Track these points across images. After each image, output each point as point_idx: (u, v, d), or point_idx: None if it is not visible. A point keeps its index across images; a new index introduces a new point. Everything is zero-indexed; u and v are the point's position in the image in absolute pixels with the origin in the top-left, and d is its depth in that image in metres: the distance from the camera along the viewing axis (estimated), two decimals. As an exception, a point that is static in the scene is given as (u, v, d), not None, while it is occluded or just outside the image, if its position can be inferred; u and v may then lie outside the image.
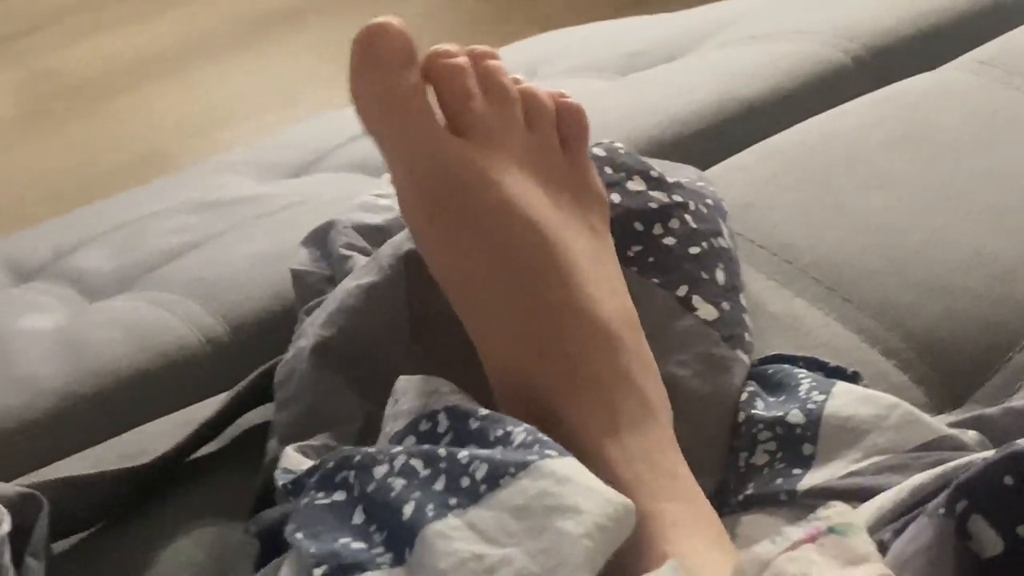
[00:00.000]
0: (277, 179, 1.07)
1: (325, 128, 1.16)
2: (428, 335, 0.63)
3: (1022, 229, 0.72)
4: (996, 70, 0.86)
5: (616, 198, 0.66)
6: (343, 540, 0.50)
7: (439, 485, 0.50)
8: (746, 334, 0.64)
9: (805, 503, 0.55)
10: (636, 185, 0.67)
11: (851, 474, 0.56)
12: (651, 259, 0.65)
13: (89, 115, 2.30)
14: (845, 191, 0.75)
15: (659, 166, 0.69)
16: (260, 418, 0.68)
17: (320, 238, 0.73)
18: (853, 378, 0.62)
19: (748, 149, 0.82)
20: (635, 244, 0.65)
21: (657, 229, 0.66)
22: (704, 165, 0.78)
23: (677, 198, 0.67)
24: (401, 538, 0.49)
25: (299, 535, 0.50)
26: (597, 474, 0.49)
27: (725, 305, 0.64)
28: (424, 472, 0.50)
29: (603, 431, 0.54)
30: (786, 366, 0.63)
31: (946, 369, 0.66)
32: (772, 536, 0.49)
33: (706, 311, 0.64)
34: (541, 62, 1.18)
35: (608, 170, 0.67)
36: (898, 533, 0.48)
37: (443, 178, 0.58)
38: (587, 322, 0.57)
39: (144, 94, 2.34)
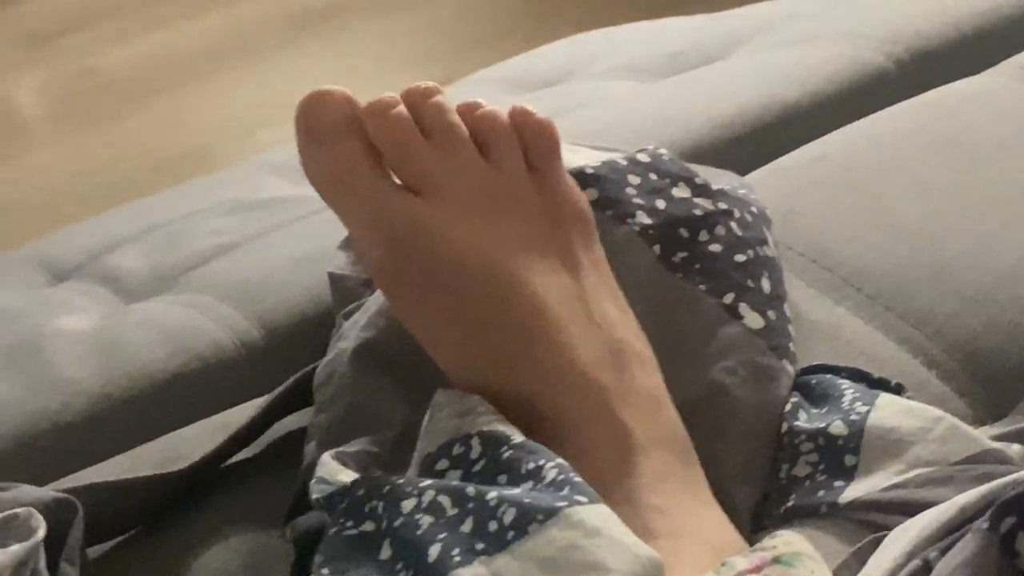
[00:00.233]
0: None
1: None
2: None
3: (1067, 238, 0.71)
4: (1040, 75, 0.85)
5: (661, 204, 0.65)
6: None
7: (466, 527, 0.49)
8: (791, 344, 0.63)
9: (847, 515, 0.55)
10: (681, 192, 0.66)
11: (894, 486, 0.55)
12: (697, 265, 0.64)
13: (127, 115, 2.31)
14: (887, 198, 0.75)
15: (702, 172, 0.68)
16: (295, 424, 0.68)
17: (358, 242, 0.73)
18: (897, 390, 0.61)
19: (788, 154, 0.82)
20: (681, 250, 0.64)
21: (703, 236, 0.65)
22: (743, 170, 0.78)
23: (722, 205, 0.66)
24: None
25: (325, 571, 0.50)
26: None
27: (771, 314, 0.64)
28: (452, 511, 0.50)
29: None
30: (829, 376, 0.62)
31: (989, 380, 0.65)
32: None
33: (752, 319, 0.63)
34: (579, 63, 1.18)
35: (652, 176, 0.66)
36: (944, 552, 0.47)
37: (398, 241, 0.58)
38: (552, 371, 0.56)
39: (183, 94, 2.35)
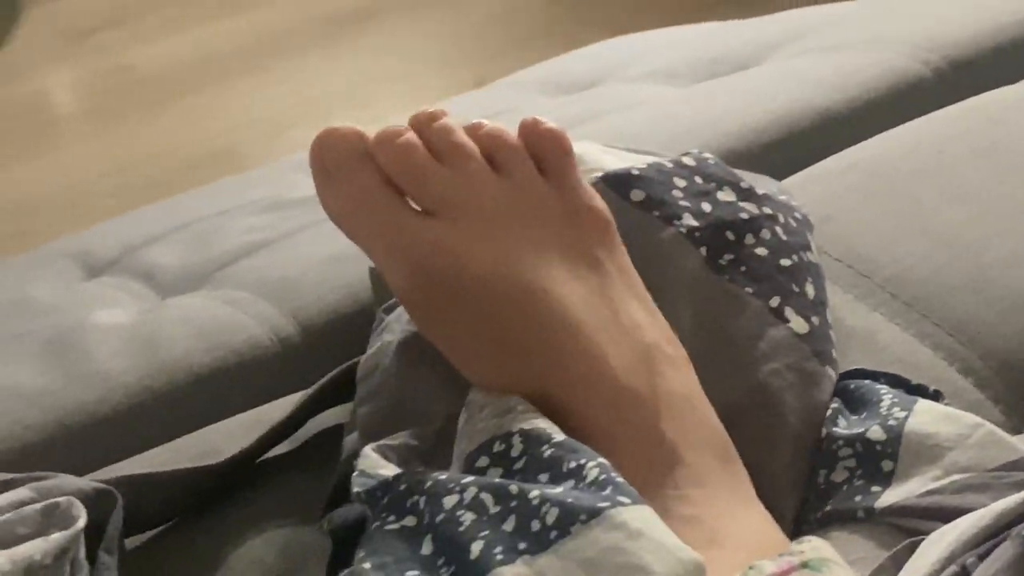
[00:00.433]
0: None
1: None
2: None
3: (1105, 247, 0.71)
4: (1079, 85, 0.85)
5: (707, 207, 0.65)
6: (410, 573, 0.49)
7: (508, 526, 0.50)
8: (833, 350, 0.64)
9: (883, 521, 0.55)
10: (726, 196, 0.66)
11: (931, 492, 0.55)
12: (743, 268, 0.64)
13: (160, 112, 2.32)
14: (925, 204, 0.75)
15: (746, 177, 0.68)
16: (332, 420, 0.68)
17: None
18: (935, 396, 0.61)
19: (826, 160, 0.82)
20: (727, 253, 0.64)
21: (749, 239, 0.65)
22: (777, 176, 0.77)
23: (767, 210, 0.66)
24: None
25: (367, 565, 0.50)
26: None
27: (815, 319, 0.64)
28: (494, 509, 0.50)
29: None
30: (867, 382, 0.62)
31: (1025, 388, 0.65)
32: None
33: (798, 324, 0.63)
34: (613, 67, 1.18)
35: (698, 180, 0.66)
36: (982, 558, 0.47)
37: (420, 265, 0.59)
38: (582, 380, 0.56)
39: (217, 91, 2.36)
